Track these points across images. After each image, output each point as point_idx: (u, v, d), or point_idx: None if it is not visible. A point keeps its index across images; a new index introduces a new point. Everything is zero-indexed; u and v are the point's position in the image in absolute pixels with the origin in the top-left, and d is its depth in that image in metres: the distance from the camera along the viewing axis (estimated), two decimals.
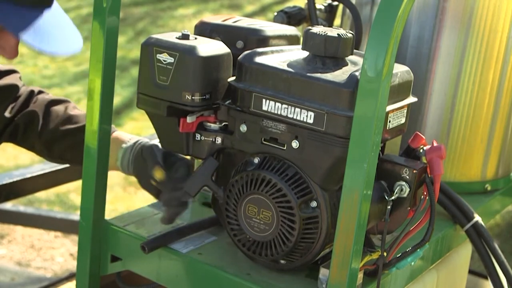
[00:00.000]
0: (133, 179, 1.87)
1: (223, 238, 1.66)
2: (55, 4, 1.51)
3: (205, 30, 1.69)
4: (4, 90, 1.82)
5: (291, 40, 1.74)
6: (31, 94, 1.87)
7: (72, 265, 3.80)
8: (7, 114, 1.81)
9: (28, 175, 2.57)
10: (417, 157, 1.50)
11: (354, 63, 1.49)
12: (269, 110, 1.45)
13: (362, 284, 1.45)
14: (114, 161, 1.75)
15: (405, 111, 1.51)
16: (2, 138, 1.86)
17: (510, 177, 2.15)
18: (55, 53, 1.46)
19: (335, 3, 2.19)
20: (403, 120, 1.51)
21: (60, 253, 3.95)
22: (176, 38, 1.51)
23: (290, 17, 2.12)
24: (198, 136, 1.55)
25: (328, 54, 1.45)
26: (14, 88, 1.84)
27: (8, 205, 3.44)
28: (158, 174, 1.62)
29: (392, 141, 1.54)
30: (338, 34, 1.45)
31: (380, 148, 1.38)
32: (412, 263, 1.51)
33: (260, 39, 1.67)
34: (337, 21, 2.23)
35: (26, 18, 1.42)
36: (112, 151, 1.68)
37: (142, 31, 8.43)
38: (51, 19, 1.48)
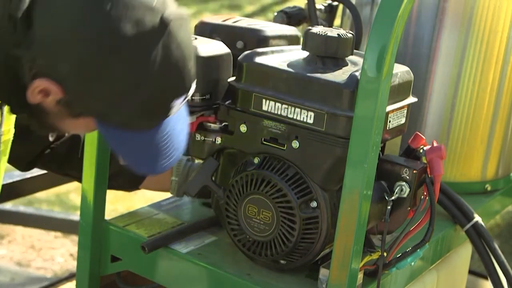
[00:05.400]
0: None
1: (223, 238, 1.66)
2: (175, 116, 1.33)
3: (205, 30, 1.69)
4: None
5: (291, 40, 1.73)
6: None
7: (72, 265, 3.79)
8: (50, 137, 1.75)
9: (28, 175, 2.56)
10: (417, 157, 1.50)
11: (354, 63, 1.49)
12: (269, 110, 1.45)
13: (362, 284, 1.45)
14: (167, 188, 1.80)
15: (405, 111, 1.51)
16: (38, 163, 1.80)
17: (510, 177, 2.15)
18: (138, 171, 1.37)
19: (335, 3, 2.18)
20: (403, 120, 1.51)
21: (60, 253, 3.95)
22: None
23: (290, 17, 2.12)
24: (198, 136, 1.55)
25: (328, 54, 1.45)
26: None
27: (8, 205, 3.43)
28: None
29: (392, 141, 1.54)
30: (338, 34, 1.45)
31: (380, 148, 1.38)
32: (412, 263, 1.51)
33: (260, 39, 1.66)
34: (337, 21, 2.23)
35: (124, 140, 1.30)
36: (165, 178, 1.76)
37: None
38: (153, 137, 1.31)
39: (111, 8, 1.16)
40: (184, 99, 1.28)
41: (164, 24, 1.19)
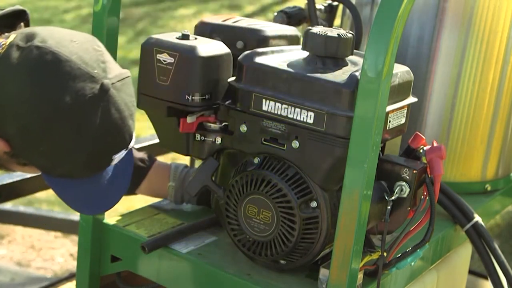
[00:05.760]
0: None
1: (223, 238, 1.66)
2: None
3: (205, 30, 1.69)
4: None
5: (291, 40, 1.74)
6: None
7: (72, 265, 3.79)
8: None
9: (28, 175, 2.56)
10: (417, 157, 1.50)
11: (354, 63, 1.49)
12: (269, 110, 1.45)
13: (362, 284, 1.45)
14: (164, 194, 1.83)
15: (405, 111, 1.51)
16: None
17: (510, 177, 2.15)
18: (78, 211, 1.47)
19: (335, 3, 2.18)
20: (403, 120, 1.51)
21: (60, 253, 3.95)
22: (176, 38, 1.51)
23: (290, 17, 2.12)
24: (198, 136, 1.55)
25: (328, 54, 1.45)
26: None
27: (8, 205, 3.43)
28: None
29: (392, 141, 1.54)
30: (338, 34, 1.45)
31: (380, 148, 1.38)
32: (412, 263, 1.51)
33: (260, 39, 1.67)
34: (337, 21, 2.23)
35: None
36: (162, 183, 1.79)
37: (142, 31, 8.42)
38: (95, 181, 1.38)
39: (52, 80, 1.23)
40: (126, 150, 1.35)
41: (104, 91, 1.26)
